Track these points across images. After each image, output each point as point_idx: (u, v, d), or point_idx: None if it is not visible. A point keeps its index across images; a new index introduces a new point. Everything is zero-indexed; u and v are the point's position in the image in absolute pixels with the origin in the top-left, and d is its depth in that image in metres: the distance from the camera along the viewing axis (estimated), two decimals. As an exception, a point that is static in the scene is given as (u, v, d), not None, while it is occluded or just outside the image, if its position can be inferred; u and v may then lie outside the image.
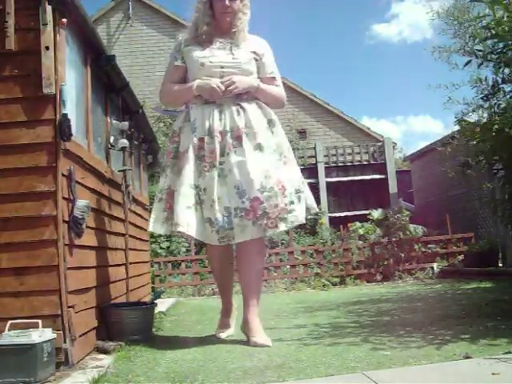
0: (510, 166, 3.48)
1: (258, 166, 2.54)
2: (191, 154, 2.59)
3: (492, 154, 3.36)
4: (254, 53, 2.76)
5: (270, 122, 2.72)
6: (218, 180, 2.55)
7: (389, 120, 49.06)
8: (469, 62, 3.21)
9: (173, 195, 2.62)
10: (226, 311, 2.99)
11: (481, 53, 3.07)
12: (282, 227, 2.55)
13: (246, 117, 2.63)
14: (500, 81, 3.12)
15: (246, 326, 2.67)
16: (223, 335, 2.85)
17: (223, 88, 2.60)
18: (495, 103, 3.19)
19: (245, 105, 2.66)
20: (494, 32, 2.86)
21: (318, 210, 2.83)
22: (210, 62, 2.66)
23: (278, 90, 2.84)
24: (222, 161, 2.58)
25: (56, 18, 2.42)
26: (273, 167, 2.58)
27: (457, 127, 4.35)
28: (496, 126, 3.11)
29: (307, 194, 2.74)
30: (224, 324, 2.94)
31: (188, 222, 2.53)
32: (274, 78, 2.82)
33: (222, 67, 2.66)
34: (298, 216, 2.58)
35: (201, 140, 2.61)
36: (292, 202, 2.57)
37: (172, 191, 2.64)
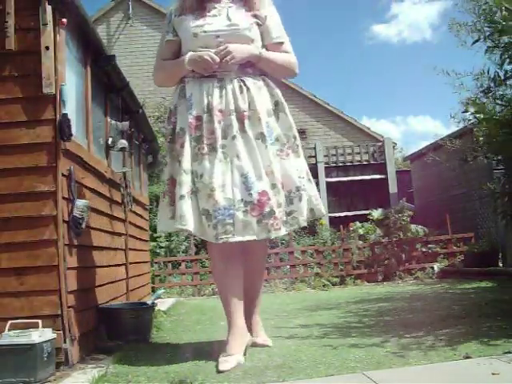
0: (510, 165, 3.49)
1: (263, 158, 2.23)
2: (187, 136, 2.25)
3: (496, 149, 3.35)
4: (256, 16, 2.38)
5: (277, 105, 2.37)
6: (220, 165, 2.18)
7: (388, 120, 49.18)
8: (477, 40, 3.19)
9: (175, 185, 2.28)
10: (236, 331, 2.27)
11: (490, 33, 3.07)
12: (283, 231, 2.24)
13: (249, 96, 2.28)
14: (503, 76, 3.12)
15: (246, 322, 2.48)
16: (227, 366, 2.06)
17: (218, 59, 2.24)
18: (500, 95, 3.18)
19: (249, 82, 2.31)
20: (499, 27, 2.87)
21: (324, 213, 2.46)
22: (204, 31, 2.30)
23: (287, 57, 2.44)
24: (225, 144, 2.21)
25: (56, 18, 2.42)
26: (273, 161, 2.26)
27: (456, 127, 4.35)
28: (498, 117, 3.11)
29: (312, 193, 2.39)
30: (232, 350, 2.18)
31: (181, 214, 2.18)
32: (281, 43, 2.43)
33: (219, 36, 2.29)
34: (299, 218, 2.30)
35: (197, 119, 2.25)
36: (292, 202, 2.30)
37: (174, 180, 2.29)
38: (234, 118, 2.23)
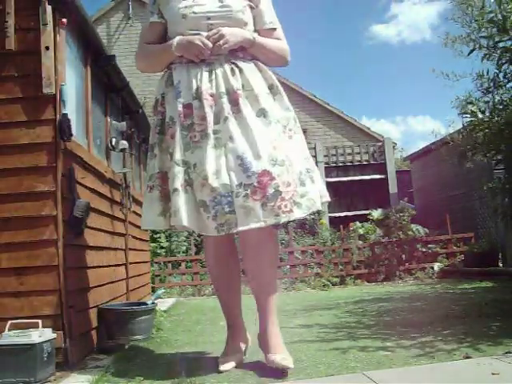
0: (511, 165, 3.49)
1: (264, 133, 2.01)
2: (177, 126, 2.06)
3: (495, 149, 3.36)
4: None
5: (272, 88, 2.17)
6: (214, 151, 1.98)
7: (388, 120, 49.30)
8: (473, 50, 3.21)
9: (167, 179, 2.09)
10: (234, 331, 2.26)
11: (485, 43, 3.10)
12: (298, 213, 1.97)
13: (242, 77, 2.09)
14: (502, 77, 3.13)
15: (262, 339, 2.12)
16: (228, 366, 2.07)
17: (210, 45, 2.05)
18: (499, 100, 3.20)
19: (241, 64, 2.12)
20: (500, 27, 2.89)
21: (329, 199, 2.20)
22: (194, 12, 2.10)
23: (280, 44, 2.27)
24: (218, 129, 2.01)
25: (56, 18, 2.42)
26: (278, 139, 2.05)
27: (456, 127, 4.36)
28: (497, 120, 3.13)
29: (318, 177, 2.18)
30: (231, 350, 2.19)
31: (175, 209, 1.98)
32: (273, 29, 2.26)
33: (210, 18, 2.10)
34: (315, 200, 2.03)
35: (187, 107, 2.06)
36: (303, 184, 2.03)
37: (165, 174, 2.10)
38: (225, 100, 2.04)
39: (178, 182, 2.00)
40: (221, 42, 2.06)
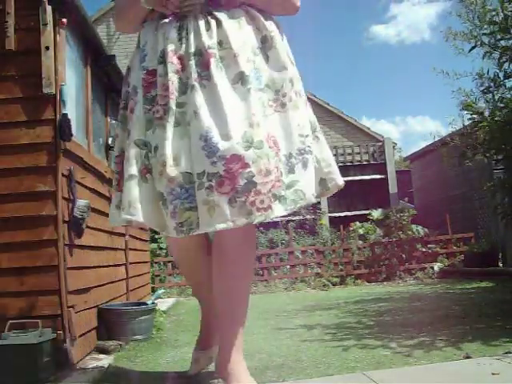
0: (511, 165, 3.50)
1: (239, 106, 1.52)
2: (138, 96, 1.62)
3: (496, 148, 3.37)
4: None
5: (266, 40, 1.63)
6: (176, 130, 1.53)
7: (388, 121, 49.37)
8: (474, 47, 3.23)
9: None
10: (205, 323, 2.05)
11: (487, 40, 3.12)
12: (279, 210, 1.49)
13: (220, 32, 1.58)
14: (502, 76, 3.14)
15: (220, 366, 1.63)
16: (196, 368, 1.94)
17: None
18: (499, 97, 3.21)
19: (220, 15, 1.59)
20: (502, 26, 2.90)
21: (341, 184, 1.74)
22: None
23: None
24: (183, 101, 1.54)
25: (56, 18, 2.42)
26: (260, 112, 1.54)
27: (456, 126, 4.36)
28: (499, 119, 3.14)
29: (320, 156, 1.68)
30: (202, 345, 2.03)
31: (129, 199, 1.54)
32: None
33: None
34: (305, 192, 1.55)
35: (152, 73, 1.61)
36: (292, 170, 1.56)
37: (123, 156, 1.66)
38: (192, 63, 1.55)
39: (135, 167, 1.57)
40: None
